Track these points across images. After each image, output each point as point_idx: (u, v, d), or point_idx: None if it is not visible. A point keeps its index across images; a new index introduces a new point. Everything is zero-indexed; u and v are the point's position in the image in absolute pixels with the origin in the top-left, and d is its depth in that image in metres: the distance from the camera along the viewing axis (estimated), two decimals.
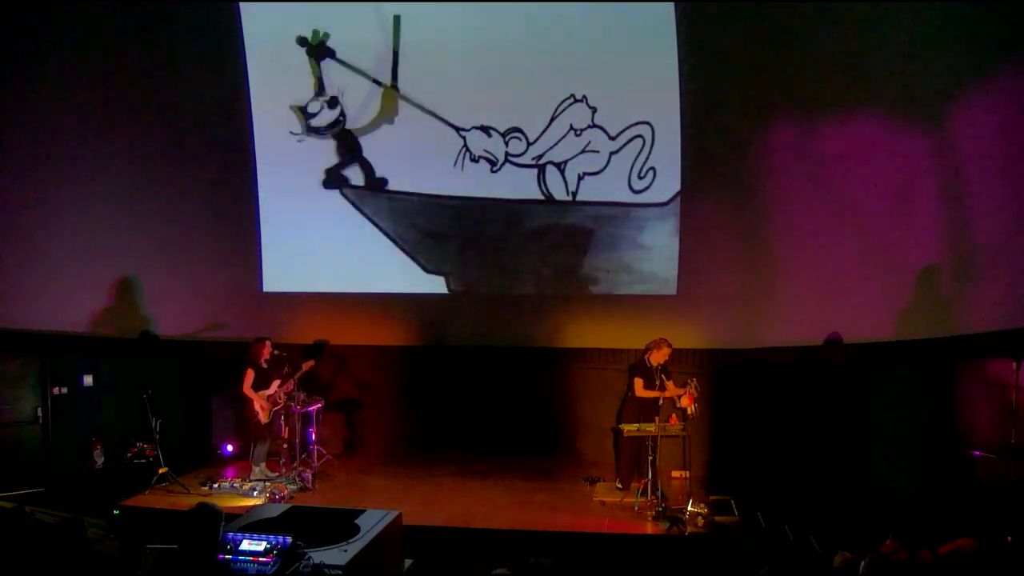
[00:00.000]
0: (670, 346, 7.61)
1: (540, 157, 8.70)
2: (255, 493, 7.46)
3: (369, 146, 8.90)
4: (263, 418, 8.00)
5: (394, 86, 8.67)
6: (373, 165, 8.91)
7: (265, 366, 8.10)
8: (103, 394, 8.80)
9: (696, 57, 8.05)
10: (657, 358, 7.59)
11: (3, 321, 8.42)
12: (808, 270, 8.00)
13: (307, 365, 8.27)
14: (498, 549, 6.14)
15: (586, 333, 8.94)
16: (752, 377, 8.32)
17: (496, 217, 8.90)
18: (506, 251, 8.99)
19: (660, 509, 6.96)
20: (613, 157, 8.56)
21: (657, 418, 7.28)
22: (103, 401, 8.81)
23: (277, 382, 8.11)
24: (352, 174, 8.99)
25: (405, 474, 8.47)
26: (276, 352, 8.19)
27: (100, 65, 8.51)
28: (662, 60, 8.11)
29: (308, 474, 7.92)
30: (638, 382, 7.64)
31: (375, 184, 8.96)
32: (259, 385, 8.05)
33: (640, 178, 8.55)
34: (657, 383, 7.57)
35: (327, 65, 8.73)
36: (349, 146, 8.91)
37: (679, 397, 7.42)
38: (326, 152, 8.94)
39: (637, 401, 7.63)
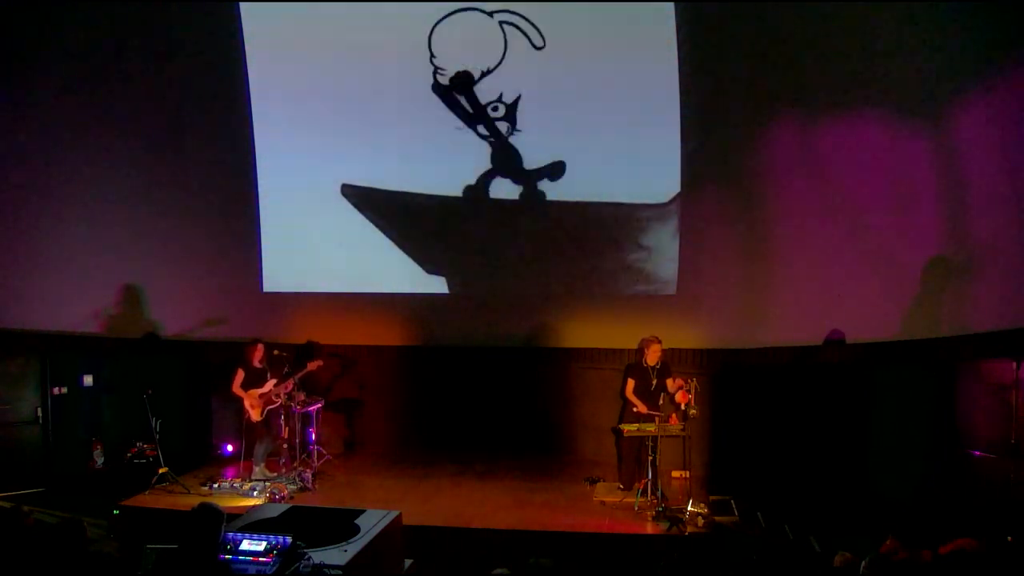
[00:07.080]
0: (659, 343, 7.59)
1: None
2: (255, 493, 7.46)
3: (378, 145, 8.85)
4: (254, 416, 8.04)
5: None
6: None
7: (260, 366, 8.13)
8: (103, 394, 8.81)
9: (696, 57, 8.05)
10: (651, 357, 7.58)
11: (3, 321, 8.43)
12: (808, 270, 7.98)
13: (312, 365, 8.29)
14: (498, 549, 6.14)
15: (586, 333, 8.94)
16: (752, 377, 8.31)
17: (497, 217, 8.91)
18: (507, 251, 8.99)
19: (660, 509, 6.96)
20: (613, 157, 8.56)
21: (657, 418, 7.29)
22: (103, 401, 8.81)
23: (273, 382, 8.12)
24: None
25: (405, 474, 8.47)
26: (276, 352, 8.21)
27: (100, 66, 8.51)
28: (662, 60, 8.11)
29: (308, 474, 7.93)
30: (630, 382, 7.65)
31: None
32: (249, 384, 8.08)
33: (640, 178, 8.55)
34: (653, 383, 7.57)
35: None
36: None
37: (675, 392, 7.41)
38: (326, 153, 8.90)
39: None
